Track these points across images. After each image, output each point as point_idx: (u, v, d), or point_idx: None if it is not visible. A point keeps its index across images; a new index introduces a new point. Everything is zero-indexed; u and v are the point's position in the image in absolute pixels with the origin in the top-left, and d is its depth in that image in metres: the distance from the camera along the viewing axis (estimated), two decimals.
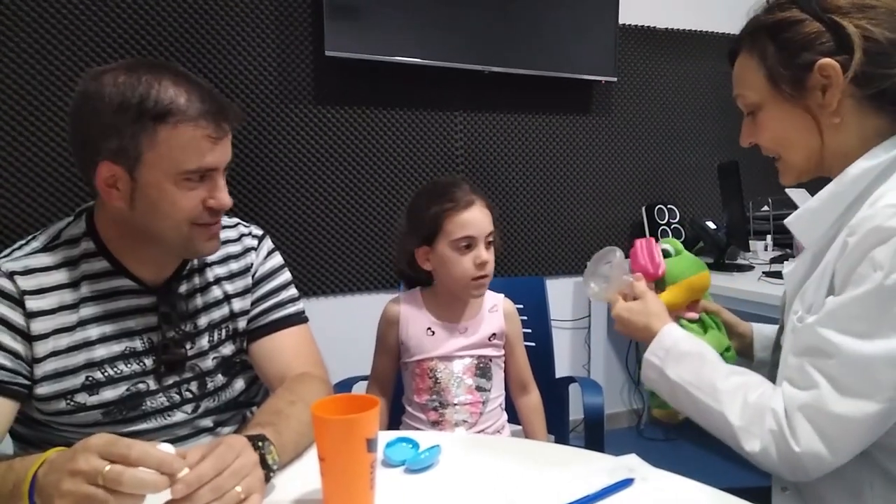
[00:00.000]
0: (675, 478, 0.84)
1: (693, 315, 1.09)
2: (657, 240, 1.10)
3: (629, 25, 2.79)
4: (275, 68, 2.20)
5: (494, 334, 1.31)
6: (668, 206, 2.85)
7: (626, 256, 1.09)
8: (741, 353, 1.15)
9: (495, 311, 1.34)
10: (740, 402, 0.85)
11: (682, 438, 2.77)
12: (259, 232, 1.15)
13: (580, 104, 2.73)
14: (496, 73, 2.42)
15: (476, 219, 1.23)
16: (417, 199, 1.29)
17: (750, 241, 2.62)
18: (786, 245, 2.68)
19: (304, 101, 2.26)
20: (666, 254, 1.10)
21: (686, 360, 0.93)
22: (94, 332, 0.95)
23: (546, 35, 2.49)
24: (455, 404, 1.24)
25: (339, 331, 2.16)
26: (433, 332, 1.29)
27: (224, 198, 0.95)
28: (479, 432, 1.26)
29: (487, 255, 1.23)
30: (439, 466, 0.87)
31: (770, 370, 0.97)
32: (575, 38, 2.54)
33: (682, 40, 2.93)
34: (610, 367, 2.89)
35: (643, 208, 2.82)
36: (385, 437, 0.90)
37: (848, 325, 0.76)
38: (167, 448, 0.66)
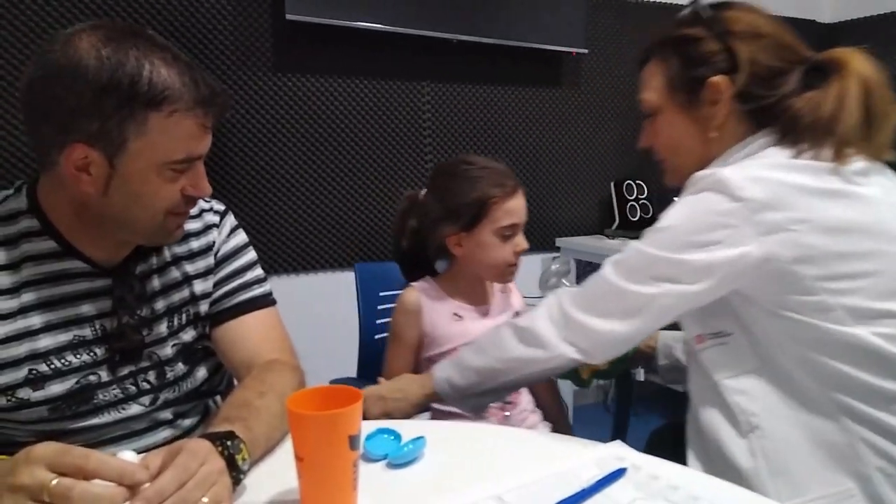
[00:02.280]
0: (666, 463, 0.82)
1: None
2: None
3: None
4: (231, 32, 2.07)
5: (518, 312, 1.28)
6: (637, 181, 2.83)
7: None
8: (644, 365, 1.30)
9: (505, 290, 1.31)
10: (518, 320, 1.02)
11: (649, 412, 2.79)
12: (221, 207, 1.06)
13: (550, 76, 2.67)
14: (465, 42, 2.34)
15: (521, 206, 1.19)
16: (451, 181, 1.19)
17: None
18: None
19: (262, 69, 2.13)
20: None
21: (461, 361, 1.04)
22: (37, 319, 0.86)
23: (516, 4, 2.41)
24: None
25: (303, 311, 2.08)
26: (461, 317, 1.23)
27: (206, 187, 0.88)
28: (521, 412, 1.23)
29: (526, 242, 1.20)
30: (424, 460, 0.81)
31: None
32: (545, 8, 2.47)
33: (653, 12, 2.89)
34: None
35: (612, 183, 2.80)
36: (365, 428, 0.84)
37: (642, 241, 0.91)
38: (130, 456, 0.59)
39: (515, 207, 1.18)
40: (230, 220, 1.06)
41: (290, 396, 0.68)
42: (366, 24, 2.14)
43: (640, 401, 2.78)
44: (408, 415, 1.05)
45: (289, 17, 2.02)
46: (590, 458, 0.82)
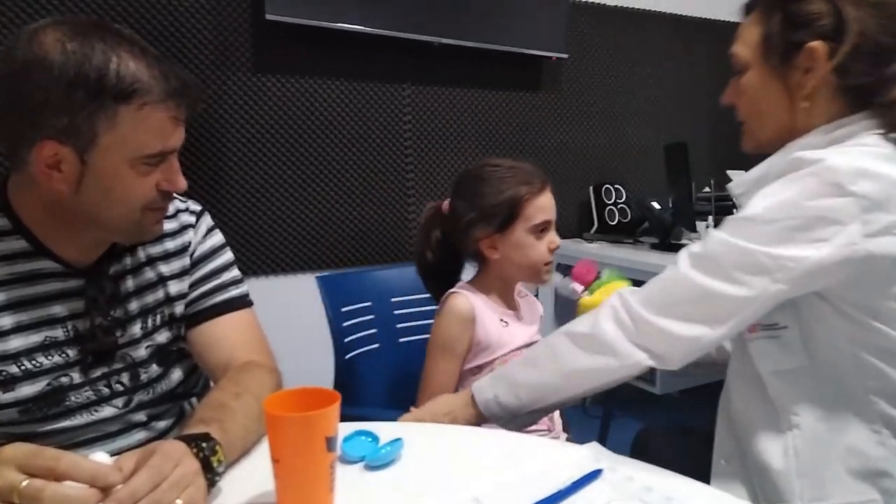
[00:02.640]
0: (641, 464, 0.82)
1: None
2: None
3: (581, 2, 2.75)
4: (210, 32, 2.06)
5: (542, 315, 1.28)
6: (616, 185, 2.86)
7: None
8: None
9: (523, 295, 1.30)
10: (572, 326, 0.94)
11: (627, 416, 2.81)
12: (197, 207, 1.05)
13: (530, 80, 2.69)
14: (446, 45, 2.34)
15: (551, 201, 1.19)
16: (480, 184, 1.17)
17: (696, 222, 2.66)
18: None
19: (242, 69, 2.12)
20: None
21: (507, 375, 0.98)
22: (7, 320, 0.84)
23: (498, 8, 2.43)
24: None
25: (281, 314, 2.06)
26: (507, 324, 1.21)
27: (181, 181, 0.87)
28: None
29: (559, 239, 1.20)
30: (401, 462, 0.81)
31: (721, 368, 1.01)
32: (526, 13, 2.49)
33: (633, 19, 2.92)
34: None
35: (591, 187, 2.82)
36: (342, 429, 0.83)
37: (728, 230, 0.82)
38: (103, 458, 0.58)
39: (547, 203, 1.18)
40: (206, 221, 1.05)
41: (266, 398, 0.67)
42: (347, 26, 2.14)
43: (617, 404, 2.81)
44: None
45: (268, 17, 2.01)
46: (566, 459, 0.82)
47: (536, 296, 1.36)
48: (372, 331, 1.46)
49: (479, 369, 1.17)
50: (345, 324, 1.42)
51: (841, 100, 0.84)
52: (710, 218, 2.75)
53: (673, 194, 2.61)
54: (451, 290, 1.20)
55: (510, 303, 1.24)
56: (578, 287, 1.17)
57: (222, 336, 0.99)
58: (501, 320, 1.19)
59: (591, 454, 0.84)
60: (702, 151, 3.04)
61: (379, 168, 2.38)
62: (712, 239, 0.83)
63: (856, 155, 0.78)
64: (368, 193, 2.37)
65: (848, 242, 0.75)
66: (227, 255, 1.05)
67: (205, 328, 0.99)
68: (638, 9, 2.92)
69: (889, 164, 0.77)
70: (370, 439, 0.84)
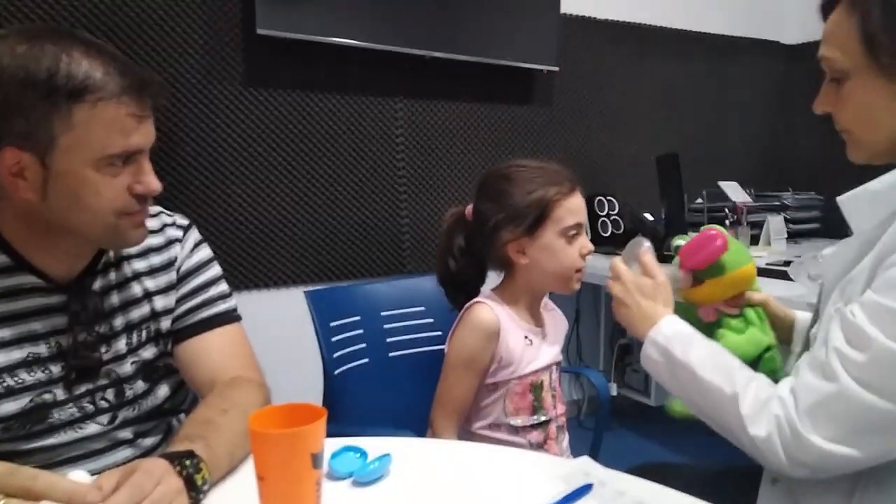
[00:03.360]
0: (633, 479, 0.81)
1: (733, 310, 1.03)
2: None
3: (571, 15, 2.77)
4: (202, 45, 2.05)
5: (566, 333, 1.23)
6: (608, 197, 2.86)
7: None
8: (785, 342, 1.07)
9: (550, 309, 1.24)
10: (753, 391, 0.80)
11: (622, 427, 2.80)
12: (184, 222, 1.04)
13: (522, 93, 2.70)
14: (438, 58, 2.35)
15: (582, 204, 1.13)
16: (507, 184, 1.12)
17: (688, 233, 2.66)
18: None
19: (233, 83, 2.11)
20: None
21: (696, 344, 0.88)
22: None
23: (489, 22, 2.44)
24: (556, 418, 1.16)
25: (271, 329, 2.05)
26: (531, 342, 1.15)
27: (152, 182, 0.84)
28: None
29: (591, 244, 1.13)
30: (390, 478, 0.80)
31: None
32: (518, 26, 2.50)
33: (623, 32, 2.94)
34: None
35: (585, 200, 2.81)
36: (330, 445, 0.82)
37: (885, 328, 0.70)
38: (81, 476, 0.56)
39: (577, 206, 1.11)
40: (194, 235, 1.04)
41: (251, 414, 0.66)
42: (338, 40, 2.14)
43: (614, 413, 2.80)
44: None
45: (259, 31, 2.01)
46: (556, 473, 0.81)
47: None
48: (361, 346, 1.45)
49: (497, 386, 1.13)
50: (334, 339, 1.40)
51: None
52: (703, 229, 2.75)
53: (665, 205, 2.61)
54: (476, 299, 1.14)
55: (536, 316, 1.19)
56: (679, 274, 0.99)
57: (209, 351, 0.98)
58: (525, 337, 1.14)
59: (581, 469, 0.83)
60: (693, 162, 3.05)
61: (371, 182, 2.38)
62: (879, 347, 0.70)
63: None
64: (360, 207, 2.36)
65: None
66: (215, 270, 1.04)
67: (192, 343, 0.98)
68: (628, 22, 2.94)
69: None
70: (358, 455, 0.83)
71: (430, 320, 1.51)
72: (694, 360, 0.86)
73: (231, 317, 1.02)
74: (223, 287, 1.04)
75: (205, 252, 1.04)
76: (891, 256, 0.73)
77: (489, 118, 2.62)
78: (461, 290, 1.18)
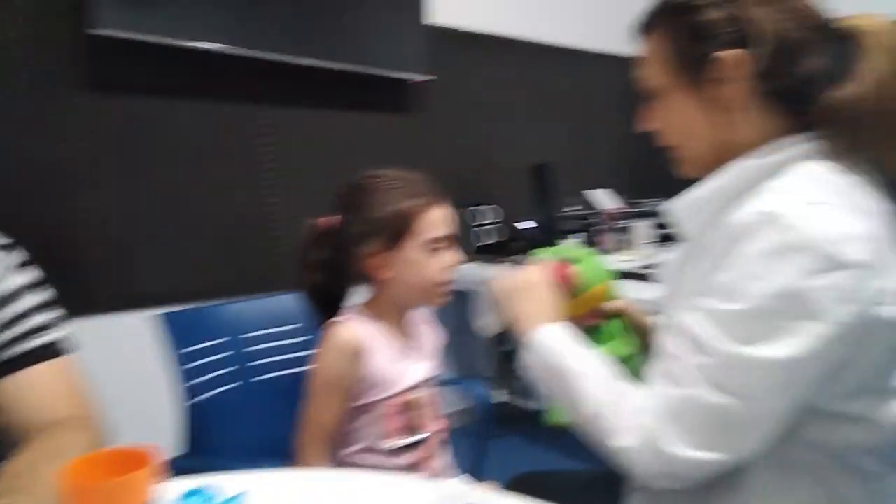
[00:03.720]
0: (507, 497, 0.80)
1: (594, 322, 1.03)
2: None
3: (443, 26, 2.78)
4: (29, 47, 1.83)
5: (441, 346, 1.19)
6: (485, 206, 2.88)
7: None
8: (648, 349, 1.08)
9: (424, 322, 1.20)
10: (623, 401, 0.80)
11: (513, 434, 2.81)
12: (5, 241, 0.91)
13: (397, 103, 2.66)
14: (306, 66, 2.26)
15: (448, 215, 1.08)
16: (366, 196, 1.07)
17: (560, 240, 2.74)
18: (591, 243, 2.83)
19: (71, 88, 1.89)
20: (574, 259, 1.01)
21: (576, 350, 0.87)
22: None
23: (359, 30, 2.39)
24: (432, 435, 1.10)
25: (119, 357, 1.87)
26: (400, 358, 1.09)
27: None
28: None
29: (457, 256, 1.08)
30: None
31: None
32: (388, 35, 2.47)
33: (493, 44, 2.99)
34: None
35: (461, 210, 2.83)
36: (182, 485, 0.73)
37: (726, 330, 0.71)
38: None
39: (440, 217, 1.07)
40: (15, 257, 0.90)
41: (66, 464, 0.57)
42: (192, 44, 2.00)
43: (502, 421, 2.80)
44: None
45: (98, 31, 1.83)
46: (430, 496, 0.77)
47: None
48: (225, 370, 1.34)
49: (367, 408, 1.06)
50: (192, 364, 1.28)
51: (771, 107, 0.80)
52: (576, 236, 2.85)
53: (539, 214, 2.67)
54: (337, 318, 1.08)
55: (406, 331, 1.14)
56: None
57: (32, 390, 0.85)
58: (394, 353, 1.09)
59: (455, 491, 0.79)
60: (565, 172, 3.16)
61: (238, 195, 2.24)
62: (713, 350, 0.72)
63: (816, 203, 0.71)
64: (226, 222, 2.22)
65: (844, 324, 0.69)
66: (40, 296, 0.91)
67: (11, 382, 0.85)
68: (497, 35, 3.00)
69: (861, 213, 0.72)
70: (206, 497, 0.74)
71: (300, 339, 1.43)
72: (573, 367, 0.85)
73: (58, 349, 0.89)
74: (50, 315, 0.91)
75: (27, 276, 0.91)
76: (716, 261, 0.75)
77: (364, 127, 2.57)
78: (326, 306, 1.12)
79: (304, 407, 1.06)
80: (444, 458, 1.15)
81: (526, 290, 0.95)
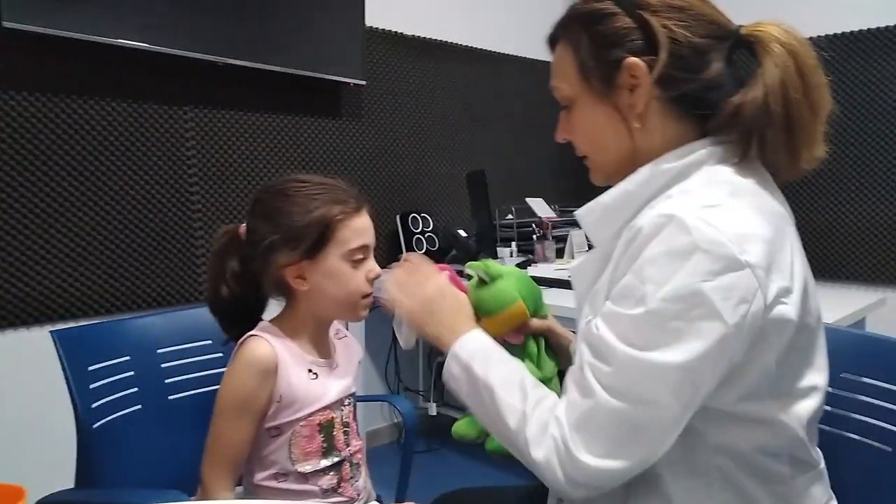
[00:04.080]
0: None
1: (517, 341, 1.00)
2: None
3: (377, 29, 2.72)
4: None
5: (359, 361, 1.12)
6: (422, 214, 2.83)
7: None
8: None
9: (342, 336, 1.13)
10: (539, 412, 0.79)
11: (444, 448, 2.76)
12: None
13: (329, 107, 2.58)
14: (233, 66, 2.16)
15: (370, 224, 1.02)
16: (284, 202, 0.99)
17: (497, 248, 2.71)
18: (528, 251, 2.82)
19: None
20: (491, 276, 0.98)
21: (497, 362, 0.86)
22: None
23: (290, 30, 2.30)
24: (350, 456, 1.04)
25: (9, 378, 1.72)
26: (316, 375, 1.01)
27: None
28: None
29: (378, 267, 1.02)
30: None
31: None
32: (321, 36, 2.39)
33: (429, 49, 2.95)
34: (369, 382, 2.78)
35: (397, 217, 2.77)
36: None
37: (625, 336, 0.72)
38: None
39: (364, 226, 1.01)
40: None
41: None
42: (108, 40, 1.87)
43: (434, 433, 2.75)
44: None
45: (5, 24, 1.70)
46: None
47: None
48: (131, 390, 1.23)
49: (280, 429, 0.99)
50: (93, 385, 1.17)
51: (676, 113, 0.81)
52: (514, 244, 2.83)
53: (476, 222, 2.64)
54: (251, 332, 1.00)
55: (323, 347, 1.07)
56: None
57: None
58: (310, 371, 1.02)
59: None
60: (503, 180, 3.14)
61: (158, 201, 2.11)
62: (621, 355, 0.72)
63: (719, 206, 0.73)
64: (144, 230, 2.09)
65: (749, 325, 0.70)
66: None
67: None
68: (434, 39, 2.96)
69: (758, 213, 0.74)
70: None
71: (219, 355, 1.34)
72: (493, 378, 0.83)
73: None
74: None
75: None
76: (623, 267, 0.75)
77: (295, 131, 2.48)
78: (237, 320, 1.03)
79: (210, 429, 0.98)
80: (364, 480, 1.09)
81: (431, 304, 0.93)
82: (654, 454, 0.73)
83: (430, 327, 0.92)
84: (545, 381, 0.95)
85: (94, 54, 1.92)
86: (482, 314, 0.97)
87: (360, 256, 1.00)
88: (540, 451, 0.75)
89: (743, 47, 0.80)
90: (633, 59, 0.79)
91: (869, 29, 2.81)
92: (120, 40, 1.90)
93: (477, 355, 0.86)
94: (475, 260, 2.39)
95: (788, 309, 0.72)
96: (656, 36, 0.78)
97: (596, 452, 0.72)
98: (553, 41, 0.89)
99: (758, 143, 0.77)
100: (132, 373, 1.24)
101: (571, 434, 0.73)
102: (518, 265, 2.57)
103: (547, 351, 1.03)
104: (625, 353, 0.71)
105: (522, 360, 0.98)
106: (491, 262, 1.00)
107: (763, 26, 0.79)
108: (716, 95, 0.78)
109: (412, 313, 0.93)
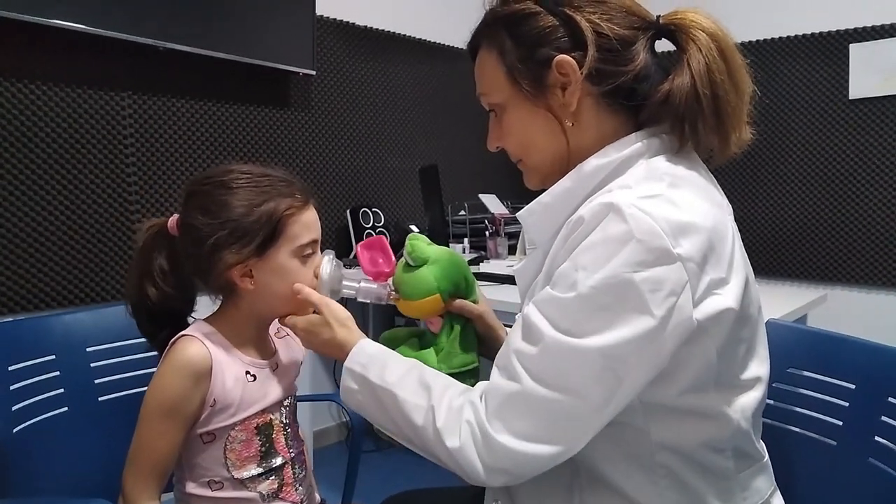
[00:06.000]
0: None
1: (433, 328, 1.00)
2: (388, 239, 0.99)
3: (328, 18, 2.65)
4: None
5: (301, 361, 1.07)
6: (374, 209, 2.78)
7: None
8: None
9: (282, 335, 1.07)
10: (447, 401, 0.77)
11: (392, 448, 2.72)
12: None
13: (277, 96, 2.51)
14: (175, 51, 2.07)
15: (317, 218, 0.97)
16: (228, 195, 0.91)
17: (450, 244, 2.68)
18: (481, 248, 2.80)
19: None
20: (415, 261, 0.97)
21: (392, 364, 0.85)
22: None
23: (236, 17, 2.22)
24: (292, 459, 0.99)
25: None
26: (254, 378, 0.95)
27: None
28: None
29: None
30: None
31: None
32: (269, 23, 2.32)
33: (381, 41, 2.90)
34: (316, 381, 2.71)
35: (348, 211, 2.71)
36: None
37: (554, 320, 0.72)
38: None
39: (312, 220, 0.96)
40: None
41: None
42: (42, 20, 1.77)
43: (378, 436, 2.71)
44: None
45: None
46: None
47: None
48: (57, 391, 1.15)
49: (212, 436, 0.93)
50: (14, 386, 1.09)
51: (609, 108, 0.80)
52: (467, 240, 2.81)
53: (428, 217, 2.61)
54: (183, 332, 0.93)
55: (263, 347, 1.01)
56: (383, 290, 0.99)
57: None
58: (248, 373, 0.96)
59: None
60: (456, 175, 3.12)
61: (91, 189, 2.01)
62: (549, 338, 0.71)
63: (656, 197, 0.72)
64: (75, 220, 1.98)
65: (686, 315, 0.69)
66: None
67: None
68: (386, 30, 2.91)
69: (695, 206, 0.73)
70: None
71: (153, 353, 1.26)
72: (392, 381, 0.82)
73: None
74: None
75: None
76: (562, 256, 0.75)
77: (240, 120, 2.39)
78: (162, 321, 0.97)
79: (134, 436, 0.91)
80: (305, 485, 1.04)
81: (336, 311, 0.92)
82: (576, 442, 0.72)
83: (322, 349, 0.92)
84: (460, 371, 0.95)
85: (26, 35, 1.81)
86: (402, 296, 0.97)
87: (310, 252, 0.95)
88: (455, 439, 0.74)
89: (664, 36, 0.80)
90: (562, 57, 0.78)
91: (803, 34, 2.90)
92: (55, 21, 1.79)
93: (371, 363, 0.85)
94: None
95: (722, 300, 0.71)
96: (582, 31, 0.77)
97: (516, 435, 0.71)
98: (474, 48, 0.88)
99: (690, 128, 0.77)
100: (57, 373, 1.16)
101: (489, 418, 0.72)
102: (470, 262, 2.55)
103: (471, 338, 1.00)
104: (552, 336, 0.70)
105: (439, 349, 0.98)
106: (422, 244, 0.97)
107: (682, 13, 0.79)
108: (645, 86, 0.78)
109: (301, 336, 0.95)
